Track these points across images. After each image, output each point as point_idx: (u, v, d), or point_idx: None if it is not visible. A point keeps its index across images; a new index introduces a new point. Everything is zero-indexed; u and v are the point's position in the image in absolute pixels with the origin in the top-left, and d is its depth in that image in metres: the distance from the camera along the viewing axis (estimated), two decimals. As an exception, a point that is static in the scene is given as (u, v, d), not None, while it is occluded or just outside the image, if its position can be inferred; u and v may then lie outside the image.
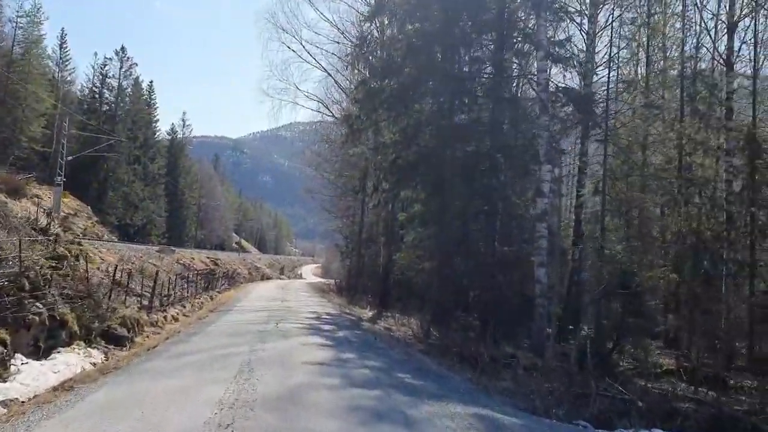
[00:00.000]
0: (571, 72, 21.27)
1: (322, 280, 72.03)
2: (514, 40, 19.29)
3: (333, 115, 36.31)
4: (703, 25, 27.42)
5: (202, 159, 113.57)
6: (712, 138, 30.32)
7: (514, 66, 20.26)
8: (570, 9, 19.82)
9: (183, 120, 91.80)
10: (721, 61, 26.96)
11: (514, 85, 22.44)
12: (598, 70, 22.40)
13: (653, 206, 27.48)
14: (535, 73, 18.49)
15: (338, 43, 33.14)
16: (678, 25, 29.78)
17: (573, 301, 23.87)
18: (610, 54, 22.20)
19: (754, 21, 27.19)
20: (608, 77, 21.73)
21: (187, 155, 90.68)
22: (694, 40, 29.99)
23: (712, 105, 30.94)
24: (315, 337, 15.26)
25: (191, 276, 31.40)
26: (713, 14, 28.04)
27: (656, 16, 28.43)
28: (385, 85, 21.46)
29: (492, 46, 19.63)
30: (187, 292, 27.16)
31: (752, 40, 27.22)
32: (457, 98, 20.08)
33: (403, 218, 25.84)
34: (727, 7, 26.27)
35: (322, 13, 60.86)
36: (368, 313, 24.82)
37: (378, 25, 25.16)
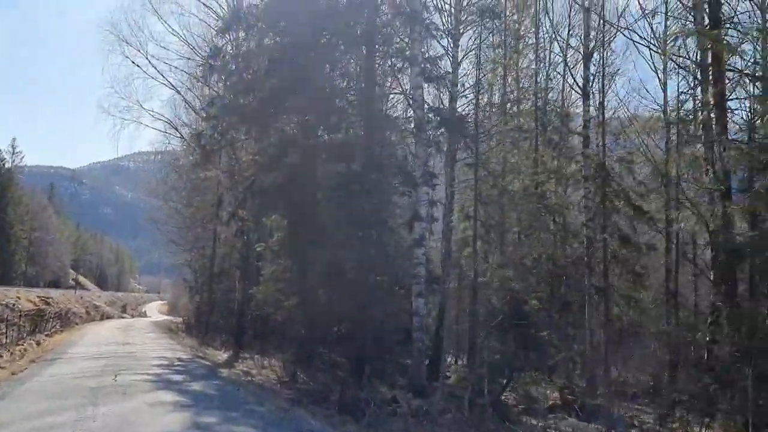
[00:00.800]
0: (442, 92, 20.45)
1: (170, 318, 67.17)
2: (386, 55, 18.00)
3: (182, 137, 33.43)
4: (559, 53, 27.91)
5: (36, 189, 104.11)
6: (564, 166, 30.97)
7: (387, 83, 19.04)
8: (440, 27, 19.03)
9: (13, 147, 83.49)
10: (578, 89, 27.47)
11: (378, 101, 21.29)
12: (466, 93, 21.75)
13: (512, 233, 27.41)
14: (409, 90, 17.33)
15: (189, 59, 30.52)
16: (532, 56, 30.31)
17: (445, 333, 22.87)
18: (477, 77, 21.61)
19: (601, 53, 28.07)
20: (476, 101, 21.09)
21: (17, 185, 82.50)
22: (546, 71, 30.71)
23: (564, 134, 31.74)
24: (165, 392, 12.66)
25: (14, 318, 27.12)
26: (564, 44, 28.57)
27: (510, 47, 28.61)
28: (244, 101, 19.42)
29: (362, 61, 18.24)
30: (7, 338, 23.19)
31: (600, 72, 28.11)
32: (326, 115, 18.43)
33: (261, 249, 23.62)
34: (582, 38, 26.84)
35: (170, 26, 56.96)
36: (224, 356, 22.26)
37: (233, 38, 23.11)
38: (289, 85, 18.61)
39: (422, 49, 17.16)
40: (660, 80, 31.33)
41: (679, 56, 23.47)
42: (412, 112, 18.27)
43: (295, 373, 16.73)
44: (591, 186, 28.35)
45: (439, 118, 18.04)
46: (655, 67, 31.21)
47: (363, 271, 18.52)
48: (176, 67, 31.04)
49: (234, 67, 21.25)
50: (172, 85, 31.71)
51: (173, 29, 43.83)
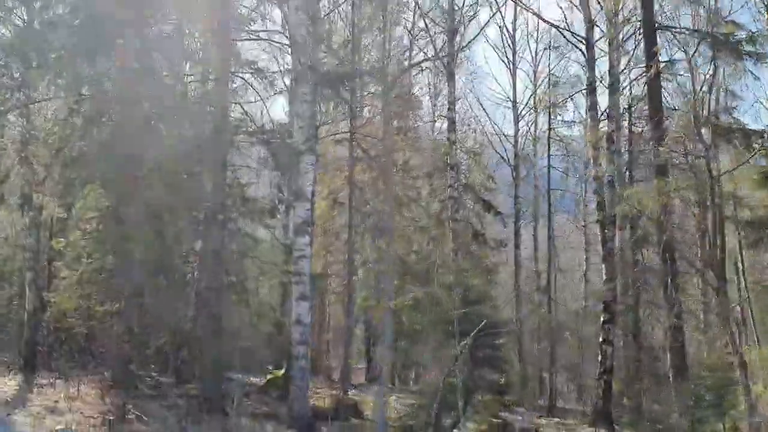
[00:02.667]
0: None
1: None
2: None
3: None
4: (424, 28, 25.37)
5: None
6: (412, 156, 28.66)
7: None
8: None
9: None
10: (442, 68, 25.16)
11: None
12: (338, 53, 18.20)
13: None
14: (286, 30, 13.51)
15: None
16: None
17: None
18: (353, 33, 18.21)
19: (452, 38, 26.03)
20: (352, 63, 17.67)
21: None
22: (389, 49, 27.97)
23: (413, 120, 29.53)
24: None
25: None
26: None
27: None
28: (49, 40, 14.26)
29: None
30: None
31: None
32: (167, 62, 14.03)
33: (61, 245, 18.06)
34: (446, 10, 24.53)
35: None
36: (11, 385, 16.36)
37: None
38: (115, 19, 13.92)
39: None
40: (510, 70, 30.30)
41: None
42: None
43: (124, 407, 12.15)
44: (455, 175, 26.37)
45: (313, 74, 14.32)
46: (506, 57, 30.10)
47: (213, 267, 14.35)
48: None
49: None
50: None
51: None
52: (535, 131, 30.04)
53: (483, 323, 9.13)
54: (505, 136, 30.31)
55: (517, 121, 29.67)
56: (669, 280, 12.04)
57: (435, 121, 29.37)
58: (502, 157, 30.18)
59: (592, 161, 18.66)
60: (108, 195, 14.55)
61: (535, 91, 29.68)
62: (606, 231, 17.75)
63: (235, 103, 14.96)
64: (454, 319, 8.28)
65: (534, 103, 29.72)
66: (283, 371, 19.44)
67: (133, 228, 14.22)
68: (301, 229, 12.65)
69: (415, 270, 19.29)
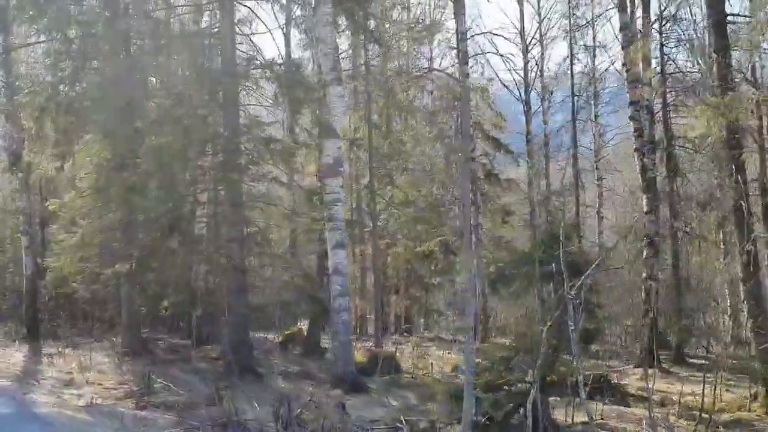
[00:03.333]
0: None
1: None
2: None
3: None
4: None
5: None
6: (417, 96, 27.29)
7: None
8: None
9: None
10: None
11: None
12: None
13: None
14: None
15: None
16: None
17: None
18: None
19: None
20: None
21: None
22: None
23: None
24: None
25: None
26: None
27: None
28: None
29: None
30: None
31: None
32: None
33: (56, 206, 16.41)
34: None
35: None
36: (18, 357, 15.09)
37: None
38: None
39: None
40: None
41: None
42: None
43: (149, 376, 10.95)
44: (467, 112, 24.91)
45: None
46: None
47: (236, 215, 12.98)
48: None
49: None
50: None
51: None
52: (542, 64, 28.35)
53: (594, 264, 7.88)
54: (515, 70, 28.64)
55: (526, 53, 27.98)
56: (741, 206, 10.79)
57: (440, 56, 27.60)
58: (510, 91, 28.66)
59: (626, 85, 17.26)
60: (108, 146, 13.09)
61: (542, 21, 27.97)
62: (644, 159, 16.45)
63: (241, 35, 13.37)
64: (561, 261, 6.96)
65: (541, 34, 28.09)
66: (299, 326, 18.47)
67: (138, 180, 12.89)
68: (333, 170, 11.26)
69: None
